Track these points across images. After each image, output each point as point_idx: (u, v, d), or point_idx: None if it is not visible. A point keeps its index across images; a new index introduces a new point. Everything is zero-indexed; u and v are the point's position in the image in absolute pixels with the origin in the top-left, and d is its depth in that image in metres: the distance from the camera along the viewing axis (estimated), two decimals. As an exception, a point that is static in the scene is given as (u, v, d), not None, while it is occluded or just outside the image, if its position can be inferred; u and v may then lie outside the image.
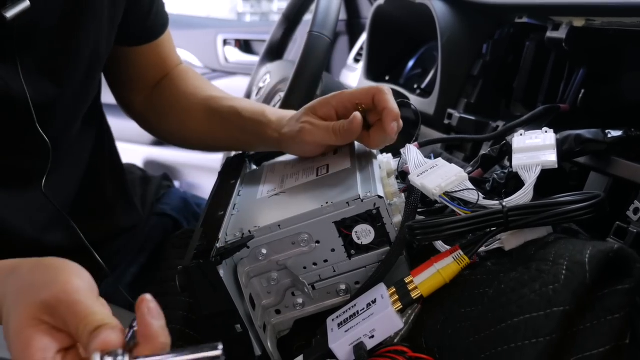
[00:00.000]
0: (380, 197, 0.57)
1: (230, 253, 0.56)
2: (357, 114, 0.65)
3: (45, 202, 0.72)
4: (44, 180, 0.71)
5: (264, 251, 0.59)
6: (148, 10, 0.83)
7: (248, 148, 0.91)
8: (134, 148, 2.05)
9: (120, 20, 0.77)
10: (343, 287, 0.61)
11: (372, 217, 0.58)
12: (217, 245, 0.57)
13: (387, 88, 0.66)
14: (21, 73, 0.64)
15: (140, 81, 0.89)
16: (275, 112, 0.78)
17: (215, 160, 1.53)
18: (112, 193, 0.90)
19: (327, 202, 0.57)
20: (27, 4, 0.60)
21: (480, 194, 0.55)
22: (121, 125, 1.03)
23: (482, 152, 0.71)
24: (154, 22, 0.86)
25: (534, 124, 0.75)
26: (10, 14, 0.59)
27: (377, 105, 0.66)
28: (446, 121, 0.97)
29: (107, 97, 0.90)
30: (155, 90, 0.90)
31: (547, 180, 0.61)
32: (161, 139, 0.95)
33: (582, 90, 0.78)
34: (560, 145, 0.62)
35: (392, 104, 0.65)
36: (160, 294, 0.75)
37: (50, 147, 0.70)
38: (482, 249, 0.55)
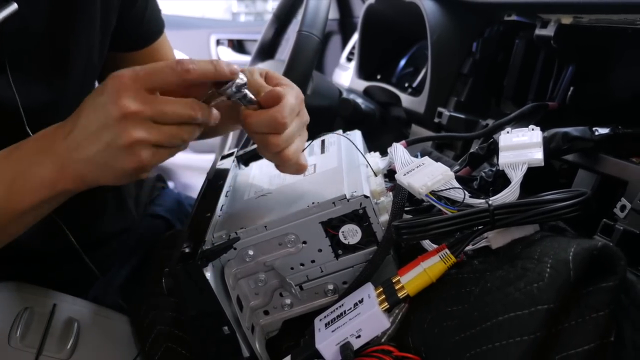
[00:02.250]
0: (366, 196, 0.57)
1: (216, 255, 0.56)
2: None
3: None
4: None
5: (251, 252, 0.59)
6: (141, 17, 0.83)
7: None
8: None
9: (113, 27, 0.76)
10: (331, 287, 0.61)
11: (359, 217, 0.58)
12: (203, 247, 0.56)
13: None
14: (11, 79, 0.64)
15: None
16: None
17: (208, 160, 1.52)
18: (107, 197, 0.90)
19: (313, 203, 0.57)
20: (14, 6, 0.59)
21: (466, 192, 0.55)
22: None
23: (471, 150, 0.71)
24: (148, 29, 0.86)
25: (522, 121, 0.75)
26: None
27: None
28: (436, 119, 0.97)
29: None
30: None
31: (536, 177, 0.61)
32: None
33: (571, 88, 0.78)
34: (548, 143, 0.62)
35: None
36: (149, 295, 0.76)
37: None
38: (469, 247, 0.55)
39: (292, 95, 0.60)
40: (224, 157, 0.80)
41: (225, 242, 0.57)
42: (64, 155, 0.55)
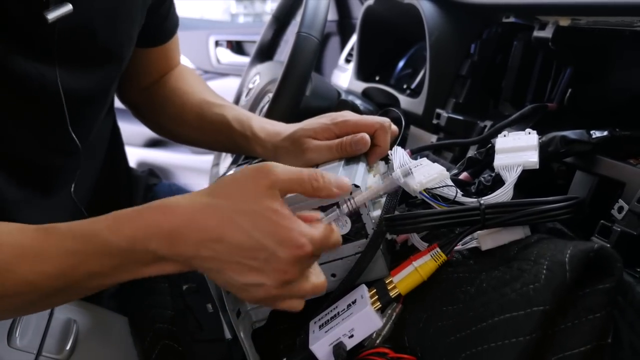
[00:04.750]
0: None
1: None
2: (366, 137, 0.68)
3: (70, 204, 0.71)
4: (73, 184, 0.70)
5: None
6: (167, 14, 0.84)
7: (237, 152, 0.95)
8: (127, 150, 2.04)
9: (143, 22, 0.77)
10: None
11: None
12: None
13: (388, 124, 0.70)
14: (58, 73, 0.64)
15: (140, 78, 0.90)
16: (262, 127, 0.79)
17: (207, 161, 1.53)
18: (121, 198, 0.92)
19: None
20: (69, 7, 0.60)
21: (458, 190, 0.55)
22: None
23: (469, 154, 0.71)
24: (170, 25, 0.87)
25: (521, 123, 0.76)
26: (51, 15, 0.59)
27: (374, 139, 0.69)
28: (434, 121, 0.96)
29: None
30: (152, 86, 0.91)
31: (533, 180, 0.61)
32: (153, 131, 0.97)
33: (569, 90, 0.78)
34: (546, 146, 0.62)
35: (386, 145, 0.69)
36: (147, 293, 0.76)
37: (80, 147, 0.70)
38: (461, 247, 0.55)
39: (387, 135, 0.70)
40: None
41: None
42: (186, 256, 0.50)
